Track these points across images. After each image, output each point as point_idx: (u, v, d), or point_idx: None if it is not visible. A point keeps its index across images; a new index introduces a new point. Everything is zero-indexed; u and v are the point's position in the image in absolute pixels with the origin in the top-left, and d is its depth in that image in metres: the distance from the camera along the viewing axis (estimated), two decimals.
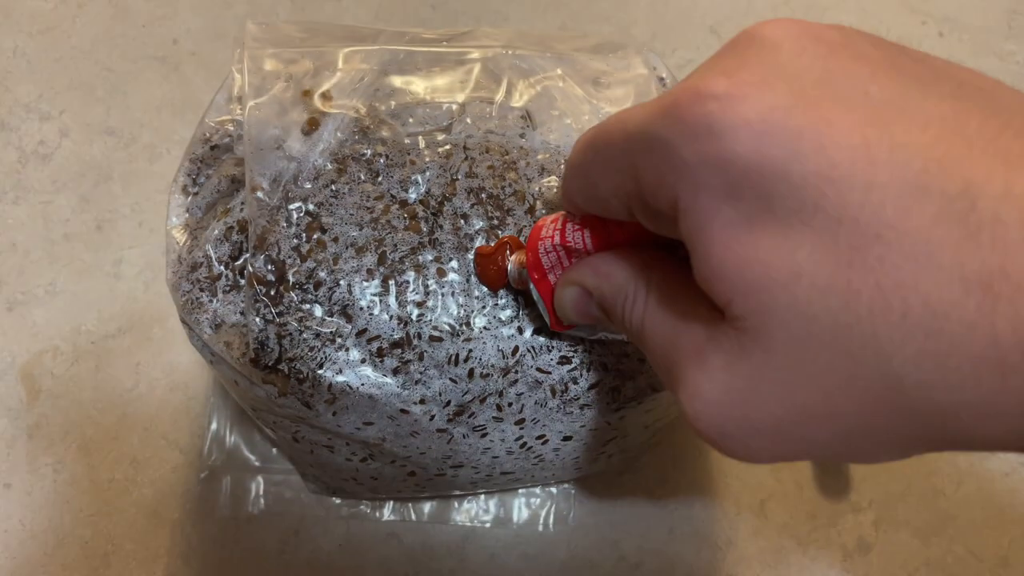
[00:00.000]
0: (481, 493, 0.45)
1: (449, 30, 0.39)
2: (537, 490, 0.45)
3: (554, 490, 0.45)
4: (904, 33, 0.55)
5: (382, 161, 0.34)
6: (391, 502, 0.44)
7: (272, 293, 0.33)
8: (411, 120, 0.36)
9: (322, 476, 0.42)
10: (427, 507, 0.44)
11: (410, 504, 0.44)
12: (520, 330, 0.33)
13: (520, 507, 0.44)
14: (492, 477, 0.39)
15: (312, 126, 0.35)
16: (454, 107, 0.36)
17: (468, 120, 0.35)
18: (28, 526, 0.41)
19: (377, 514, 0.43)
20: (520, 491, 0.45)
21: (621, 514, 0.45)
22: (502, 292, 0.33)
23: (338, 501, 0.44)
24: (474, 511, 0.44)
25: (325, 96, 0.35)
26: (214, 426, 0.44)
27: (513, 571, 0.43)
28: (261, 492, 0.43)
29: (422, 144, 0.35)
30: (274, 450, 0.44)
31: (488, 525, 0.44)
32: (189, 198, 0.37)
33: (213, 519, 0.43)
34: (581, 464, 0.40)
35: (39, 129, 0.47)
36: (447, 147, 0.35)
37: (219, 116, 0.37)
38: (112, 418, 0.43)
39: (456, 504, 0.44)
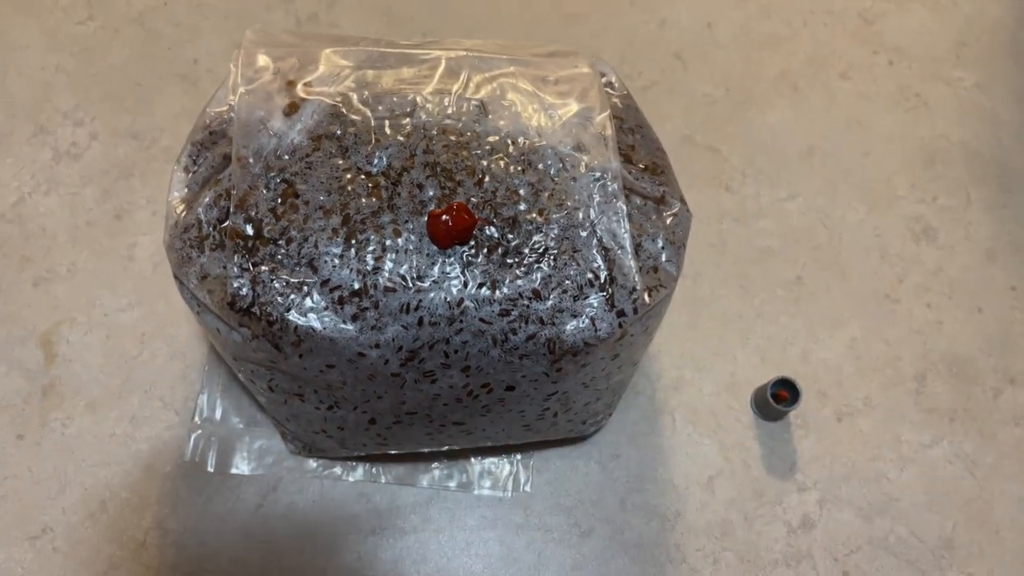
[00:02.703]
0: (443, 451, 0.48)
1: (422, 39, 0.45)
2: (495, 459, 0.48)
3: (514, 458, 0.48)
4: (855, 61, 0.60)
5: (351, 139, 0.39)
6: (361, 466, 0.48)
7: (249, 246, 0.38)
8: (380, 108, 0.41)
9: (297, 431, 0.46)
10: (395, 471, 0.48)
11: (379, 467, 0.48)
12: (465, 284, 0.37)
13: (481, 474, 0.48)
14: (445, 428, 0.43)
15: (292, 109, 0.40)
16: (417, 97, 0.41)
17: (429, 107, 0.41)
18: (35, 473, 0.46)
19: (349, 476, 0.47)
20: (481, 459, 0.48)
21: (575, 485, 0.48)
22: (450, 251, 0.38)
23: (314, 464, 0.48)
24: (438, 476, 0.48)
25: (307, 86, 0.41)
26: (207, 392, 0.49)
27: (472, 530, 0.47)
28: (245, 452, 0.48)
29: (387, 127, 0.40)
30: (258, 415, 0.48)
31: (451, 487, 0.47)
32: (189, 175, 0.43)
33: (200, 474, 0.47)
34: (529, 421, 0.43)
35: (72, 133, 0.54)
36: (408, 129, 0.40)
37: (218, 107, 0.43)
38: (117, 381, 0.48)
39: (422, 467, 0.48)
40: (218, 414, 0.48)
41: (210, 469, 0.47)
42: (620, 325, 0.38)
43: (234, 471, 0.47)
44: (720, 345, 0.52)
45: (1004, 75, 0.60)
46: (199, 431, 0.48)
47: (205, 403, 0.48)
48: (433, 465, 0.48)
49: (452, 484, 0.48)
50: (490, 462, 0.48)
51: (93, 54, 0.57)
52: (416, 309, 0.37)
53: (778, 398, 0.49)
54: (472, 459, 0.48)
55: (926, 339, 0.53)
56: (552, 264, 0.38)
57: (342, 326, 0.37)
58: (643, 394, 0.50)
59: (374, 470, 0.48)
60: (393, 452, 0.46)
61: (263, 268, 0.37)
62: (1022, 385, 0.52)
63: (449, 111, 0.41)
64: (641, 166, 0.42)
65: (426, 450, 0.46)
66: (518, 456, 0.48)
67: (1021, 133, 0.59)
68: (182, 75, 0.56)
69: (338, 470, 0.47)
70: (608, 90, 0.44)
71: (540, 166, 0.40)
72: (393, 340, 0.38)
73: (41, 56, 0.57)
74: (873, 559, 0.47)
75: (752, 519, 0.48)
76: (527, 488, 0.48)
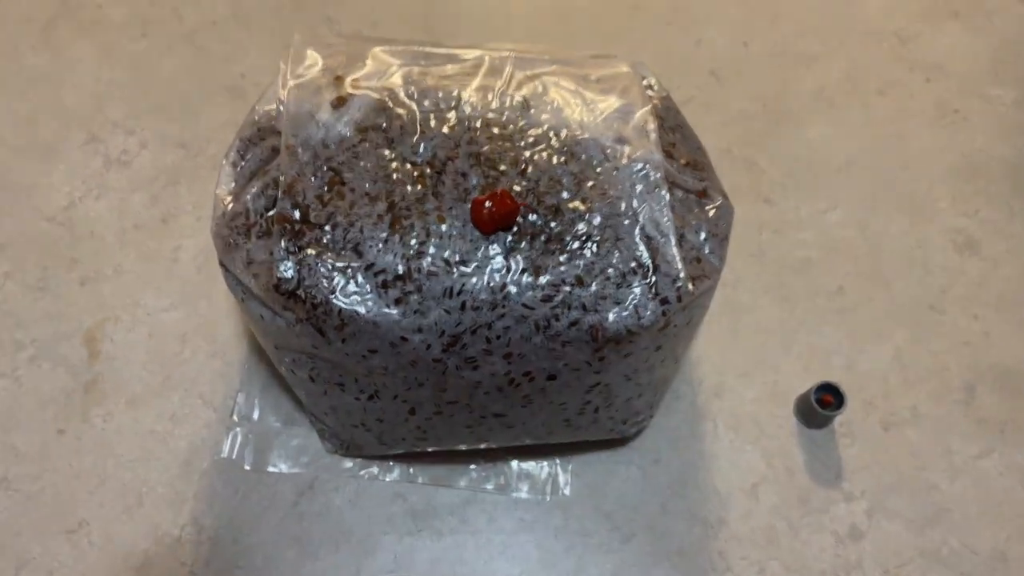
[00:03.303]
0: (480, 450, 0.48)
1: (467, 41, 0.46)
2: (534, 462, 0.48)
3: (553, 461, 0.48)
4: (892, 79, 0.61)
5: (397, 131, 0.40)
6: (398, 467, 0.47)
7: (295, 230, 0.38)
8: (425, 102, 0.42)
9: (336, 427, 0.46)
10: (432, 472, 0.47)
11: (416, 468, 0.47)
12: (508, 269, 0.38)
13: (519, 476, 0.47)
14: (485, 420, 0.43)
15: (340, 103, 0.41)
16: (462, 92, 0.42)
17: (473, 101, 0.41)
18: (74, 467, 0.46)
19: (386, 476, 0.47)
20: (519, 462, 0.48)
21: (615, 489, 0.47)
22: (493, 237, 0.38)
23: (350, 463, 0.47)
24: (475, 477, 0.47)
25: (354, 81, 0.42)
26: (245, 391, 0.49)
27: (510, 533, 0.46)
28: (281, 451, 0.47)
29: (432, 120, 0.41)
30: (296, 414, 0.48)
31: (489, 489, 0.47)
32: (236, 170, 0.44)
33: (237, 471, 0.47)
34: (570, 415, 0.43)
35: (123, 141, 0.56)
36: (453, 122, 0.41)
37: (267, 105, 0.44)
38: (158, 378, 0.49)
39: (459, 469, 0.47)
40: (256, 413, 0.48)
41: (247, 467, 0.47)
42: (664, 313, 0.38)
43: (270, 469, 0.47)
44: (762, 353, 0.51)
45: None
46: (237, 429, 0.48)
47: (243, 402, 0.48)
48: (471, 467, 0.47)
49: (490, 486, 0.47)
50: (528, 465, 0.48)
51: (145, 69, 0.59)
52: (459, 293, 0.37)
53: (823, 403, 0.48)
54: (510, 461, 0.48)
55: (974, 350, 0.52)
56: (595, 251, 0.38)
57: (385, 310, 0.37)
58: (684, 399, 0.50)
59: (411, 470, 0.47)
60: (431, 450, 0.46)
61: (309, 251, 0.38)
62: None
63: (493, 106, 0.42)
64: (682, 162, 0.43)
65: (464, 447, 0.45)
66: (557, 459, 0.48)
67: None
68: (229, 88, 0.58)
69: (375, 470, 0.47)
70: (648, 91, 0.45)
71: (583, 157, 0.40)
72: (436, 324, 0.38)
73: (95, 71, 0.59)
74: (925, 571, 0.45)
75: (798, 527, 0.46)
76: (566, 492, 0.47)
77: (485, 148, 0.40)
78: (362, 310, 0.37)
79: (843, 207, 0.56)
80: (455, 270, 0.37)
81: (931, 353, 0.51)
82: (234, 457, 0.47)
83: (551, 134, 0.41)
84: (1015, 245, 0.55)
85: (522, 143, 0.40)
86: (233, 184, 0.43)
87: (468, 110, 0.41)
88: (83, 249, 0.52)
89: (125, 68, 0.59)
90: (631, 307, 0.38)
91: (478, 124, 0.41)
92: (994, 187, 0.57)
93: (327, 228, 0.38)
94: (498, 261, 0.38)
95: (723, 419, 0.49)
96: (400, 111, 0.41)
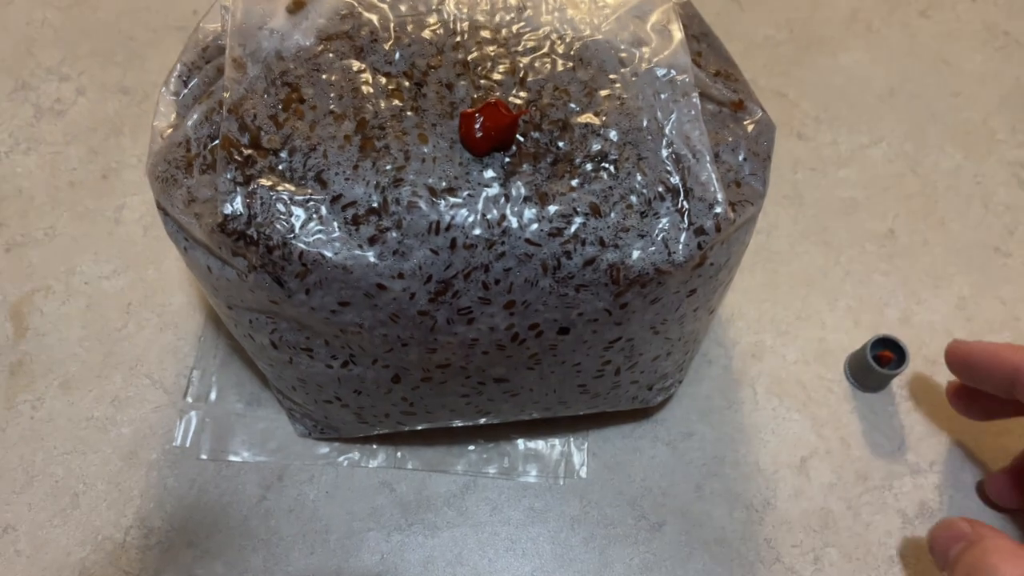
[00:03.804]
0: (480, 426, 0.40)
1: None
2: (543, 440, 0.40)
3: (566, 439, 0.40)
4: (935, 0, 0.53)
5: (367, 38, 0.33)
6: (383, 450, 0.40)
7: (244, 157, 0.31)
8: (401, 6, 0.35)
9: (307, 404, 0.39)
10: (423, 456, 0.40)
11: (405, 451, 0.40)
12: (507, 197, 0.30)
13: (527, 457, 0.40)
14: (485, 388, 0.35)
15: (298, 7, 0.34)
16: None
17: (459, 2, 0.34)
18: None
19: (369, 462, 0.40)
20: (526, 440, 0.40)
21: (640, 470, 0.40)
22: (487, 158, 0.31)
23: (326, 448, 0.40)
24: (475, 460, 0.40)
25: None
26: (201, 368, 0.41)
27: (518, 524, 0.38)
28: (244, 436, 0.40)
29: (409, 24, 0.34)
30: (261, 394, 0.41)
31: (491, 473, 0.39)
32: (178, 99, 0.36)
33: (192, 462, 0.39)
34: (585, 380, 0.36)
35: (57, 88, 0.48)
36: (435, 25, 0.33)
37: (213, 23, 0.37)
38: (98, 356, 0.41)
39: (456, 451, 0.40)
40: (213, 393, 0.41)
41: (203, 456, 0.39)
42: (699, 247, 0.31)
43: (232, 458, 0.39)
44: (804, 307, 0.44)
45: None
46: (191, 412, 0.40)
47: (199, 380, 0.41)
48: (469, 448, 0.40)
49: (492, 470, 0.40)
50: (537, 444, 0.40)
51: (83, 8, 0.51)
52: (448, 229, 0.30)
53: (880, 360, 0.40)
54: (515, 440, 0.40)
55: None
56: (613, 173, 0.31)
57: (357, 252, 0.30)
58: (716, 363, 0.42)
59: (399, 454, 0.40)
60: (421, 428, 0.38)
61: (262, 182, 0.30)
62: None
63: (483, 6, 0.34)
64: (712, 71, 0.36)
65: (460, 424, 0.38)
66: (570, 437, 0.40)
67: None
68: (179, 27, 0.50)
69: (355, 455, 0.40)
70: None
71: (593, 63, 0.33)
72: (420, 268, 0.30)
73: (26, 11, 0.51)
74: None
75: (857, 508, 0.39)
76: (582, 474, 0.40)
77: (474, 55, 0.33)
78: (329, 252, 0.30)
79: (888, 141, 0.49)
80: (442, 200, 0.30)
81: (999, 300, 0.44)
82: (188, 445, 0.40)
83: (554, 37, 0.33)
84: None
85: (519, 48, 0.33)
86: (174, 115, 0.36)
87: (452, 12, 0.34)
88: (9, 210, 0.45)
89: (60, 7, 0.51)
90: (659, 240, 0.31)
91: (465, 27, 0.33)
92: None
93: (283, 154, 0.31)
94: (494, 188, 0.30)
95: (763, 384, 0.42)
96: (370, 15, 0.34)
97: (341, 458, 0.40)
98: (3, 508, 0.38)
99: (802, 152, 0.48)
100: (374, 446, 0.40)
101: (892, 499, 0.40)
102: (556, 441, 0.40)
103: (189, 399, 0.41)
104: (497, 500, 0.39)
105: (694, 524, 0.39)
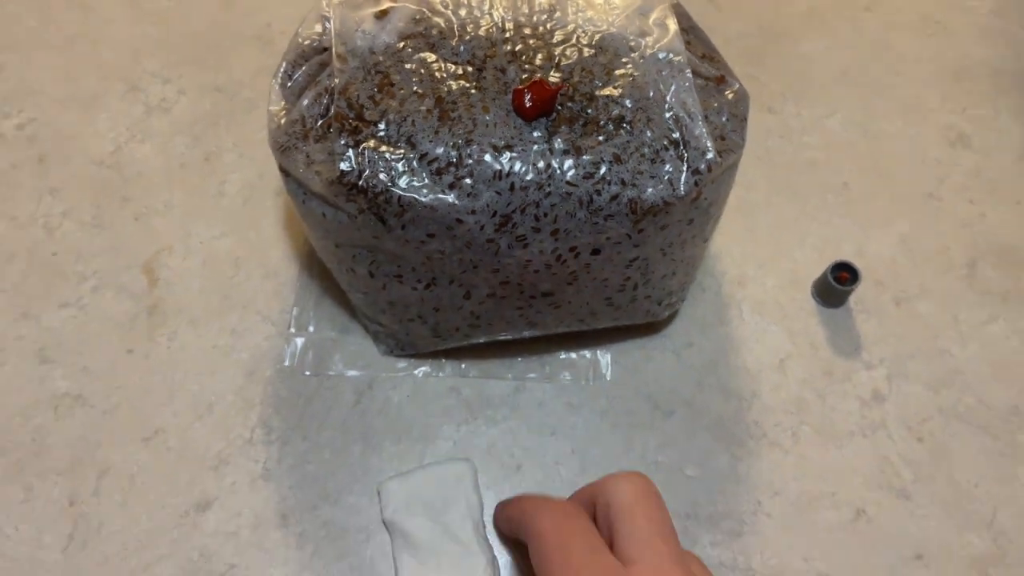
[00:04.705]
0: (526, 339, 0.51)
1: None
2: (575, 353, 0.51)
3: (594, 351, 0.51)
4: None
5: (436, 36, 0.44)
6: (449, 364, 0.50)
7: (352, 127, 0.41)
8: (461, 12, 0.45)
9: (391, 325, 0.49)
10: (481, 366, 0.50)
11: (467, 363, 0.50)
12: (551, 150, 0.41)
13: (564, 364, 0.50)
14: (536, 301, 0.46)
15: (382, 15, 0.44)
16: (493, 1, 0.45)
17: (504, 7, 0.45)
18: (145, 382, 0.49)
19: (439, 373, 0.50)
20: (561, 353, 0.51)
21: (652, 373, 0.50)
22: (534, 123, 0.41)
23: (404, 363, 0.50)
24: (522, 367, 0.50)
25: None
26: (300, 306, 0.52)
27: (559, 416, 0.49)
28: (339, 356, 0.50)
29: (468, 25, 0.44)
30: (350, 324, 0.51)
31: (535, 378, 0.50)
32: (286, 89, 0.47)
33: (298, 377, 0.49)
34: (611, 293, 0.46)
35: (162, 90, 0.59)
36: (488, 26, 0.44)
37: (309, 29, 0.47)
38: (216, 299, 0.51)
39: (507, 362, 0.50)
40: (311, 325, 0.51)
41: (307, 373, 0.50)
42: (696, 184, 0.42)
43: (331, 373, 0.50)
44: (778, 245, 0.55)
45: (1017, 1, 0.65)
46: (296, 340, 0.51)
47: (299, 315, 0.51)
48: (518, 359, 0.51)
49: (534, 375, 0.50)
50: (571, 355, 0.51)
51: (176, 24, 0.62)
52: (508, 176, 0.41)
53: (839, 280, 0.51)
54: (555, 352, 0.51)
55: (972, 231, 0.56)
56: (629, 131, 0.42)
57: (441, 195, 0.41)
58: (710, 290, 0.53)
59: (462, 366, 0.50)
60: (483, 340, 0.49)
61: (368, 145, 0.41)
62: None
63: (523, 11, 0.45)
64: (700, 54, 0.46)
65: (512, 336, 0.49)
66: (597, 348, 0.51)
67: None
68: (257, 36, 0.61)
69: (428, 368, 0.50)
70: None
71: (610, 50, 0.43)
72: (488, 206, 0.41)
73: (128, 28, 0.62)
74: (945, 426, 0.49)
75: (825, 395, 0.50)
76: (607, 376, 0.50)
77: (519, 47, 0.43)
78: (419, 196, 0.40)
79: (842, 112, 0.60)
80: (502, 154, 0.40)
81: (934, 235, 0.55)
82: (295, 365, 0.50)
83: (579, 32, 0.44)
84: (1002, 138, 0.59)
85: (553, 41, 0.44)
86: (283, 102, 0.46)
87: (500, 15, 0.45)
88: (133, 188, 0.55)
89: (156, 24, 0.62)
90: (666, 180, 0.41)
91: (511, 27, 0.44)
92: (978, 87, 0.61)
93: (381, 125, 0.41)
94: (541, 144, 0.41)
95: (747, 305, 0.53)
96: (438, 19, 0.44)
97: (417, 371, 0.50)
98: (154, 416, 0.48)
99: (772, 123, 0.59)
100: (442, 360, 0.50)
101: (851, 388, 0.50)
102: (586, 352, 0.51)
103: (292, 330, 0.51)
104: (541, 398, 0.50)
105: (697, 412, 0.49)
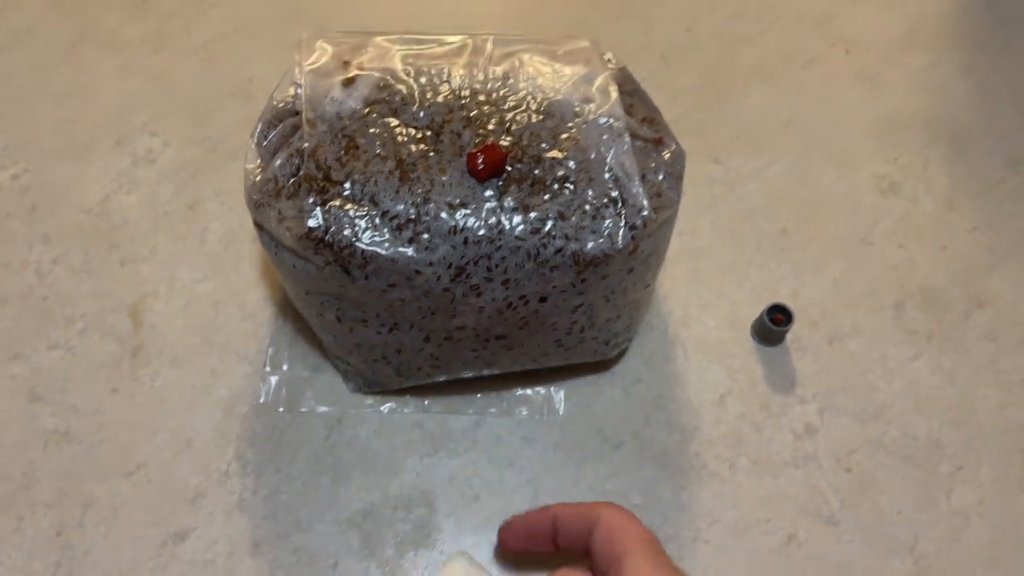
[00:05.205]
0: (484, 377, 0.55)
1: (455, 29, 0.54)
2: (531, 389, 0.55)
3: (548, 387, 0.55)
4: (817, 53, 0.70)
5: (399, 103, 0.48)
6: (414, 400, 0.54)
7: (320, 187, 0.45)
8: (422, 79, 0.49)
9: (358, 364, 0.53)
10: (443, 402, 0.54)
11: (430, 399, 0.54)
12: (501, 208, 0.45)
13: (520, 400, 0.54)
14: (490, 343, 0.50)
15: (349, 82, 0.49)
16: (452, 69, 0.50)
17: (462, 75, 0.49)
18: (129, 419, 0.53)
19: (404, 409, 0.54)
20: (518, 389, 0.55)
21: (603, 407, 0.54)
22: (487, 183, 0.45)
23: (371, 400, 0.54)
24: (482, 404, 0.54)
25: (359, 64, 0.50)
26: (275, 346, 0.55)
27: (516, 449, 0.53)
28: (310, 393, 0.54)
29: (428, 92, 0.48)
30: (322, 363, 0.55)
31: (494, 413, 0.54)
32: (261, 148, 0.51)
33: (273, 413, 0.53)
34: (560, 335, 0.50)
35: (148, 142, 0.63)
36: (446, 93, 0.48)
37: (283, 93, 0.51)
38: (197, 340, 0.55)
39: (467, 397, 0.54)
40: (286, 364, 0.55)
41: (281, 409, 0.53)
42: (633, 238, 0.46)
43: (303, 409, 0.54)
44: (720, 288, 0.59)
45: (950, 55, 0.70)
46: (271, 378, 0.54)
47: (274, 355, 0.55)
48: (477, 395, 0.54)
49: (494, 410, 0.54)
50: (527, 391, 0.55)
51: (163, 80, 0.66)
52: (462, 231, 0.45)
53: (775, 321, 0.55)
54: (511, 388, 0.55)
55: (900, 274, 0.60)
56: (572, 191, 0.46)
57: (401, 249, 0.45)
58: (657, 329, 0.57)
59: (425, 402, 0.54)
60: (443, 379, 0.53)
61: (334, 203, 0.45)
62: (990, 308, 0.59)
63: (478, 78, 0.49)
64: (640, 118, 0.51)
65: (471, 374, 0.53)
66: (551, 385, 0.55)
67: (968, 101, 0.68)
68: (239, 91, 0.65)
69: (393, 404, 0.54)
70: (608, 64, 0.53)
71: (557, 115, 0.48)
72: (443, 258, 0.45)
73: (118, 83, 0.66)
74: (872, 457, 0.53)
75: (761, 428, 0.54)
76: (560, 411, 0.54)
77: (474, 112, 0.48)
78: (381, 250, 0.44)
79: (782, 162, 0.65)
80: (457, 212, 0.45)
81: (864, 278, 0.60)
82: (270, 401, 0.54)
83: (529, 99, 0.48)
84: (930, 185, 0.64)
85: (505, 107, 0.48)
86: (258, 160, 0.50)
87: (458, 83, 0.49)
88: (120, 235, 0.59)
89: (145, 80, 0.66)
90: (606, 234, 0.45)
91: (467, 94, 0.48)
92: (910, 138, 0.66)
93: (347, 184, 0.45)
94: (492, 202, 0.45)
95: (691, 344, 0.57)
96: (400, 86, 0.49)
97: (383, 407, 0.54)
98: (136, 451, 0.52)
99: (717, 173, 0.64)
100: (407, 396, 0.54)
101: (786, 421, 0.54)
102: (540, 388, 0.55)
103: (267, 368, 0.55)
104: (499, 432, 0.53)
105: (644, 444, 0.53)
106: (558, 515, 0.44)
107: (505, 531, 0.47)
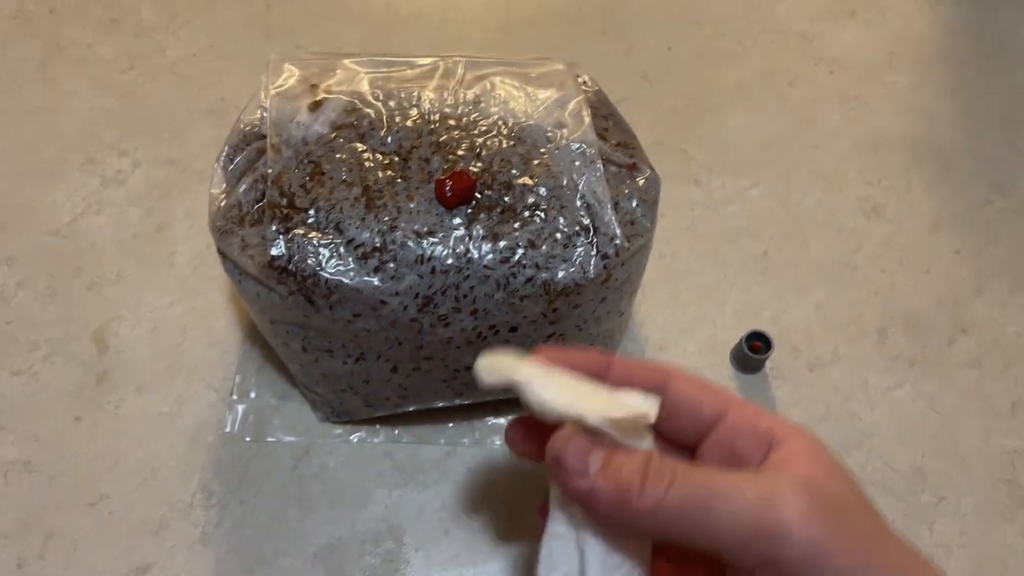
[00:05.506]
0: (455, 406, 0.53)
1: (426, 53, 0.53)
2: (503, 418, 0.54)
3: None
4: (800, 73, 0.69)
5: (367, 127, 0.47)
6: (384, 429, 0.53)
7: (284, 215, 0.44)
8: (390, 102, 0.48)
9: (326, 394, 0.52)
10: (414, 431, 0.53)
11: (400, 429, 0.53)
12: (470, 236, 0.44)
13: (492, 429, 0.53)
14: (460, 374, 0.49)
15: (316, 106, 0.47)
16: (421, 92, 0.49)
17: (431, 99, 0.48)
18: (92, 449, 0.51)
19: (373, 438, 0.53)
20: (490, 419, 0.54)
21: None
22: (455, 210, 0.44)
23: (340, 430, 0.53)
24: (453, 433, 0.53)
25: (327, 87, 0.48)
26: (243, 373, 0.54)
27: (486, 479, 0.51)
28: (278, 422, 0.53)
29: (397, 116, 0.47)
30: (290, 391, 0.54)
31: (465, 443, 0.53)
32: (227, 172, 0.50)
33: (239, 443, 0.52)
34: None
35: (118, 162, 0.62)
36: (415, 117, 0.47)
37: (250, 116, 0.50)
38: (163, 367, 0.54)
39: (439, 427, 0.53)
40: (253, 392, 0.54)
41: (247, 439, 0.52)
42: (605, 267, 0.45)
43: (269, 439, 0.52)
44: (699, 312, 0.58)
45: (933, 75, 0.69)
46: (237, 407, 0.53)
47: (241, 383, 0.54)
48: (449, 424, 0.53)
49: (466, 440, 0.53)
50: (500, 420, 0.54)
51: (134, 98, 0.65)
52: (429, 260, 0.44)
53: (753, 349, 0.54)
54: (483, 417, 0.54)
55: (883, 299, 0.59)
56: (543, 218, 0.45)
57: (366, 278, 0.43)
58: (634, 355, 0.56)
59: (395, 432, 0.53)
60: (413, 409, 0.51)
61: (297, 231, 0.44)
62: (973, 334, 0.58)
63: (448, 102, 0.48)
64: (614, 142, 0.50)
65: (442, 404, 0.51)
66: (522, 413, 0.54)
67: (952, 123, 0.67)
68: (210, 110, 0.64)
69: (363, 433, 0.53)
70: (582, 86, 0.52)
71: (528, 140, 0.47)
72: (410, 288, 0.44)
73: (88, 101, 0.65)
74: None
75: None
76: None
77: (444, 137, 0.46)
78: (346, 279, 0.43)
79: (764, 183, 0.64)
80: (424, 240, 0.43)
81: (847, 303, 0.59)
82: (236, 431, 0.52)
83: (500, 123, 0.47)
84: (914, 208, 0.63)
85: (476, 132, 0.47)
86: (224, 184, 0.49)
87: (427, 106, 0.48)
88: (87, 258, 0.58)
89: (116, 97, 0.65)
90: (577, 263, 0.44)
91: (437, 118, 0.47)
92: (893, 159, 0.65)
93: (311, 212, 0.44)
94: (461, 230, 0.44)
95: None
96: (368, 110, 0.48)
97: (352, 436, 0.53)
98: (99, 481, 0.50)
99: (698, 195, 0.63)
100: (377, 426, 0.53)
101: None
102: (512, 417, 0.54)
103: (234, 397, 0.54)
104: (471, 463, 0.52)
105: None
106: (615, 364, 0.35)
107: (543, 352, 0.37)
